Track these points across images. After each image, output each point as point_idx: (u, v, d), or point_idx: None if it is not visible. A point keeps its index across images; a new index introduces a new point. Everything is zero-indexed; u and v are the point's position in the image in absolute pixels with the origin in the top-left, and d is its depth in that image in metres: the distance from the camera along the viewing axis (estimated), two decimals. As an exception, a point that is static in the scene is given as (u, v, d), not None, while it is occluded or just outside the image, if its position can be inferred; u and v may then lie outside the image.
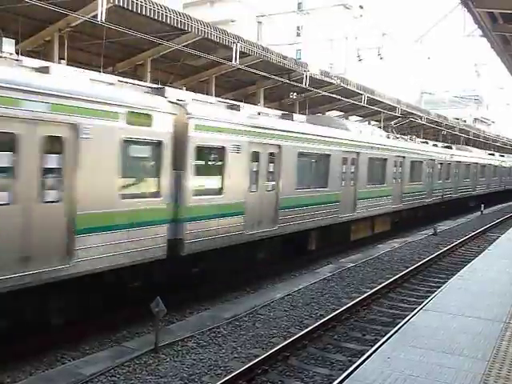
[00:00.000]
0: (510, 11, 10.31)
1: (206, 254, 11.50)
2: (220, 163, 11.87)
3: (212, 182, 11.94)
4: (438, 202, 28.98)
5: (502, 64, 15.47)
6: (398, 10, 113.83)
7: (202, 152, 11.37)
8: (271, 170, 13.75)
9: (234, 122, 12.16)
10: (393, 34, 28.18)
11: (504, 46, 12.88)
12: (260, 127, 13.14)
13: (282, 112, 17.34)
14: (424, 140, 32.16)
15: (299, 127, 15.41)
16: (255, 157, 13.01)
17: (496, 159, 43.98)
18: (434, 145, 31.15)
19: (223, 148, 11.77)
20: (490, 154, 43.39)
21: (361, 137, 19.43)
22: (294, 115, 16.67)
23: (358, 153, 18.66)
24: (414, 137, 27.94)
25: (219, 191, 11.84)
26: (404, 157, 23.24)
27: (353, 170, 18.53)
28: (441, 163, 29.15)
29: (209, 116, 11.41)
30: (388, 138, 23.52)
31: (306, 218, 15.45)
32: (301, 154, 15.09)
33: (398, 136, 25.95)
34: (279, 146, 13.92)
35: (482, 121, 78.70)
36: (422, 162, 25.83)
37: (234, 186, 12.17)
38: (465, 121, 52.01)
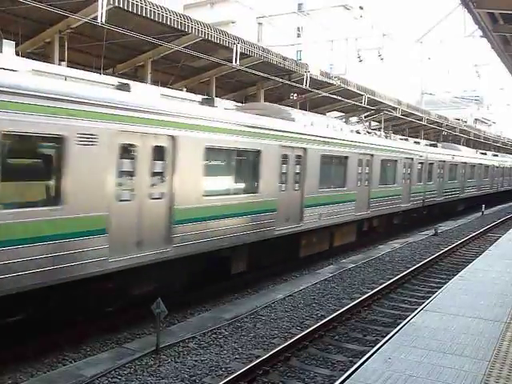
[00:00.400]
0: (510, 12, 10.31)
1: (39, 293, 8.10)
2: (57, 160, 8.24)
3: (38, 186, 8.38)
4: (418, 207, 25.71)
5: (503, 64, 15.48)
6: (398, 11, 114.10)
7: (16, 143, 7.88)
8: (158, 170, 9.97)
9: (82, 101, 8.41)
10: (393, 35, 28.18)
11: (504, 46, 12.89)
12: (134, 110, 9.40)
13: (203, 97, 13.59)
14: (404, 137, 29.48)
15: (206, 113, 11.42)
16: (127, 152, 9.34)
17: (488, 159, 41.12)
18: (415, 142, 28.52)
19: (62, 138, 8.13)
20: (481, 154, 40.52)
21: (309, 129, 15.52)
22: (218, 100, 13.25)
23: (304, 149, 14.99)
24: (390, 133, 25.07)
25: (55, 200, 8.19)
26: (372, 155, 19.78)
27: (298, 171, 14.84)
28: (421, 163, 25.83)
29: (27, 88, 7.67)
30: (358, 133, 20.37)
31: (221, 233, 11.65)
32: (212, 150, 11.44)
33: (371, 131, 23.32)
34: (172, 138, 10.20)
35: (482, 121, 78.73)
36: (396, 160, 22.49)
37: (86, 193, 8.54)
38: (465, 121, 51.99)
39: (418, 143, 28.46)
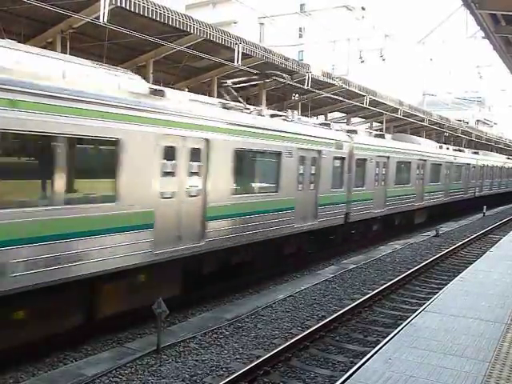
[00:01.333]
0: (512, 13, 10.32)
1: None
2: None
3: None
4: (336, 225, 17.39)
5: (504, 66, 15.49)
6: (400, 12, 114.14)
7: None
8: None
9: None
10: (395, 36, 28.15)
11: (506, 47, 12.90)
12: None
13: None
14: (325, 121, 22.01)
15: None
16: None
17: (462, 156, 32.71)
18: (348, 131, 19.62)
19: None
20: (456, 150, 32.98)
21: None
22: None
23: None
24: (291, 113, 16.35)
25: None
26: (208, 140, 10.95)
27: None
28: (341, 158, 17.38)
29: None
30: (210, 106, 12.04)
31: None
32: None
33: (252, 108, 14.45)
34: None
35: (484, 122, 78.73)
36: (279, 153, 13.79)
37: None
38: (467, 122, 51.98)
39: (355, 131, 20.12)
